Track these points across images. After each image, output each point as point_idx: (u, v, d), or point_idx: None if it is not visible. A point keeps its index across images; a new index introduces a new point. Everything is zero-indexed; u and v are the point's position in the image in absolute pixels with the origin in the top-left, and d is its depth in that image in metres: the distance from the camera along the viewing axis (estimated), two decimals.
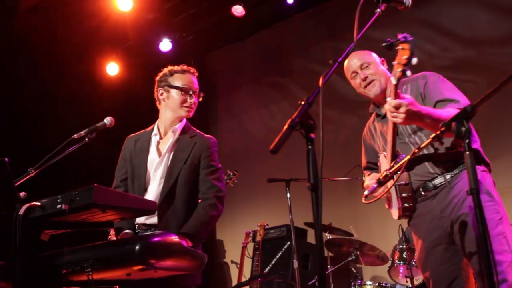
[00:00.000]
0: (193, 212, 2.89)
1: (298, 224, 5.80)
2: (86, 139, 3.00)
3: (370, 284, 4.87)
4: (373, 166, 3.19)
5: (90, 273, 2.32)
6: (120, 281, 2.52)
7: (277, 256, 5.88)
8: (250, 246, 5.87)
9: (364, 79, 3.02)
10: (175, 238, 2.32)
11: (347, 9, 7.23)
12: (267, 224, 5.18)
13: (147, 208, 2.38)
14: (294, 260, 4.95)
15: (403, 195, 2.55)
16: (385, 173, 2.12)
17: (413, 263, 4.46)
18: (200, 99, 3.26)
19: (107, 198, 2.24)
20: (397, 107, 2.34)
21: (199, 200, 2.99)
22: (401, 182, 2.47)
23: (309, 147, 1.57)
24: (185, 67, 3.30)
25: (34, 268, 2.44)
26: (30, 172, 2.85)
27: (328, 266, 5.16)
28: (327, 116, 7.17)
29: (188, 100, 3.17)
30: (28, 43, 6.71)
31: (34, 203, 2.43)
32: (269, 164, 7.36)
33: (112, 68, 7.71)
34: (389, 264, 4.80)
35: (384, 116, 2.86)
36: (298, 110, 1.61)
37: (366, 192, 2.19)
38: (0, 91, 6.63)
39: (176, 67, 3.29)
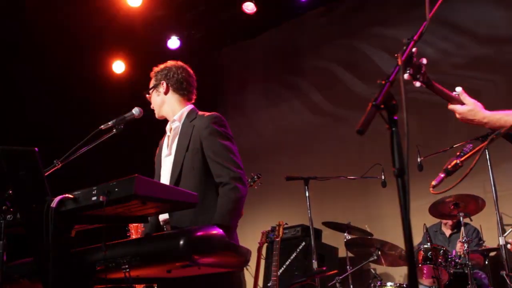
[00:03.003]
0: (205, 199, 2.73)
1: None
2: (114, 130, 2.86)
3: (391, 286, 4.74)
4: None
5: (127, 270, 2.17)
6: (157, 279, 2.38)
7: (292, 257, 5.75)
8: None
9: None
10: (219, 232, 2.18)
11: (360, 7, 7.16)
12: (286, 223, 5.05)
13: (188, 200, 2.23)
14: (314, 261, 4.83)
15: None
16: (455, 161, 1.99)
17: (440, 263, 4.34)
18: (148, 96, 3.21)
19: (149, 189, 2.09)
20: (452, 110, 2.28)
21: (218, 186, 2.80)
22: None
23: (393, 129, 1.44)
24: None
25: (67, 265, 2.29)
26: (56, 164, 2.71)
27: (348, 267, 5.03)
28: (341, 115, 7.07)
29: None
30: (35, 37, 6.57)
31: (66, 195, 2.28)
32: (280, 163, 7.25)
33: (118, 66, 7.56)
34: None
35: None
36: (380, 89, 1.47)
37: (433, 182, 2.06)
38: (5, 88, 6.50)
39: None
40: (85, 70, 7.16)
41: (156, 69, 3.21)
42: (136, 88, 7.41)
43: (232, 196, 2.69)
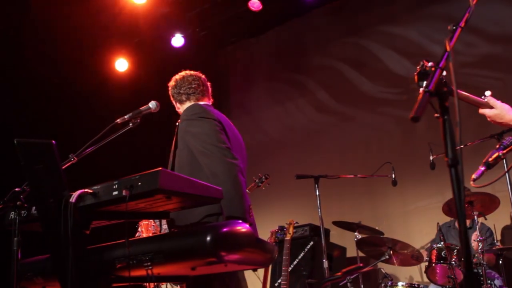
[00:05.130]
0: None
1: (318, 223, 5.58)
2: (130, 124, 2.78)
3: (402, 285, 4.67)
4: None
5: (150, 267, 2.10)
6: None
7: (300, 256, 5.67)
8: None
9: None
10: (246, 228, 2.10)
11: (367, 4, 7.10)
12: (297, 222, 4.97)
13: (212, 196, 2.15)
14: (324, 260, 4.77)
15: None
16: (496, 154, 1.93)
17: (453, 262, 4.27)
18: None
19: (174, 183, 2.02)
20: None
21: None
22: None
23: (445, 117, 1.37)
24: None
25: (85, 262, 2.21)
26: (71, 159, 2.62)
27: None
28: (347, 114, 7.00)
29: None
30: (39, 33, 6.48)
31: (85, 190, 2.20)
32: (285, 162, 7.16)
33: (121, 64, 7.46)
34: (422, 263, 4.61)
35: None
36: (431, 76, 1.40)
37: (474, 176, 1.99)
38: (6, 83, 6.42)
39: None
40: (88, 68, 7.08)
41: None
42: (139, 86, 7.36)
43: (228, 195, 2.47)
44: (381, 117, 6.73)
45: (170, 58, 7.48)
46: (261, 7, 6.67)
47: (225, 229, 2.03)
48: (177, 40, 7.27)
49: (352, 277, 4.69)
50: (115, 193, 2.12)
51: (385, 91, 6.72)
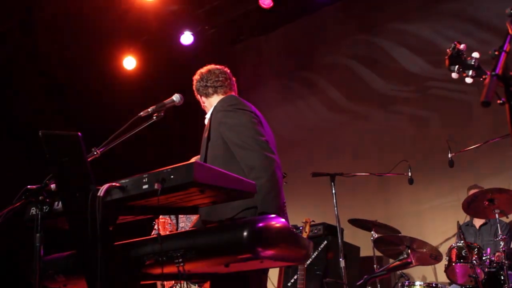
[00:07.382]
0: None
1: (332, 222, 5.51)
2: (154, 118, 2.70)
3: (420, 285, 4.59)
4: None
5: (181, 263, 2.02)
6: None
7: (314, 255, 5.59)
8: None
9: None
10: (282, 222, 2.03)
11: (379, 1, 7.03)
12: (313, 221, 4.89)
13: (246, 190, 2.08)
14: (340, 259, 4.71)
15: None
16: None
17: (474, 261, 4.19)
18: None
19: (208, 176, 1.94)
20: None
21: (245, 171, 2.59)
22: None
23: (511, 103, 1.29)
24: None
25: (113, 258, 2.13)
26: (94, 152, 2.54)
27: (375, 266, 4.88)
28: (359, 112, 6.92)
29: None
30: (45, 30, 6.42)
31: (113, 183, 2.13)
32: (296, 161, 7.09)
33: (129, 62, 7.37)
34: (441, 263, 4.53)
35: None
36: (496, 60, 1.33)
37: None
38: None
39: None
40: (96, 66, 7.01)
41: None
42: (147, 85, 7.28)
43: (264, 190, 2.47)
44: (394, 115, 6.66)
45: (179, 56, 7.41)
46: (271, 5, 6.60)
47: (261, 224, 1.96)
48: (186, 38, 7.19)
49: (371, 276, 4.60)
50: (145, 186, 2.04)
51: (397, 89, 6.65)
